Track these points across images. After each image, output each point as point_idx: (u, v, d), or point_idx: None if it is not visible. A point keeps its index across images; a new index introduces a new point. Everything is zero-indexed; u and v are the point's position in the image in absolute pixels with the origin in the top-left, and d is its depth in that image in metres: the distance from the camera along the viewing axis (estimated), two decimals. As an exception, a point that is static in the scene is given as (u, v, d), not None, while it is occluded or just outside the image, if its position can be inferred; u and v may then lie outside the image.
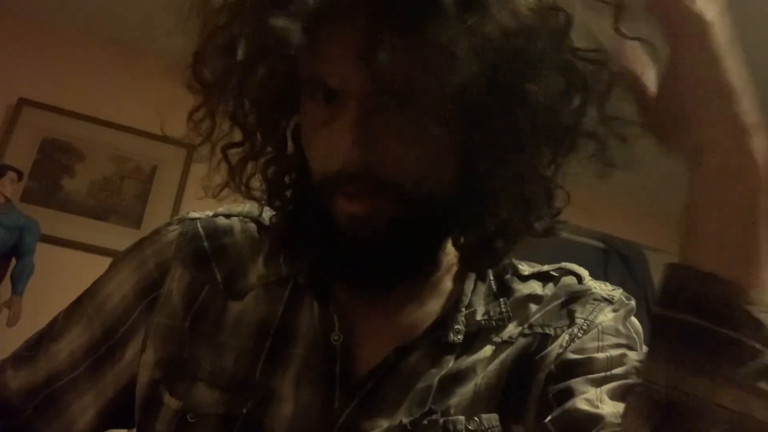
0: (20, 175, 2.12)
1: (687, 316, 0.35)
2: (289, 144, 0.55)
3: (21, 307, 1.94)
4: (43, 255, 2.06)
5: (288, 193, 0.55)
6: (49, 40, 2.40)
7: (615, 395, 0.44)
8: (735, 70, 0.38)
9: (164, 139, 2.44)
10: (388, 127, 0.44)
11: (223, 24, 0.47)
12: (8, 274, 2.01)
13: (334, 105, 0.45)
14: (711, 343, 0.34)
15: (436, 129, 0.44)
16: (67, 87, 2.37)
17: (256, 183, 0.55)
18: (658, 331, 0.37)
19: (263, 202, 0.55)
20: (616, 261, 2.89)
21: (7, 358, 0.59)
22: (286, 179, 0.55)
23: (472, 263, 0.55)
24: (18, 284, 1.97)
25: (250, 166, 0.54)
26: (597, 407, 0.43)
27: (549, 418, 0.45)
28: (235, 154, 0.54)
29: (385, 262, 0.48)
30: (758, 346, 0.33)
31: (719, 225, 0.37)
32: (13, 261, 2.02)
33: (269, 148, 0.54)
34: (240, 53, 0.45)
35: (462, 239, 0.53)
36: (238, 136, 0.54)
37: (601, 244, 2.97)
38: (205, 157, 0.54)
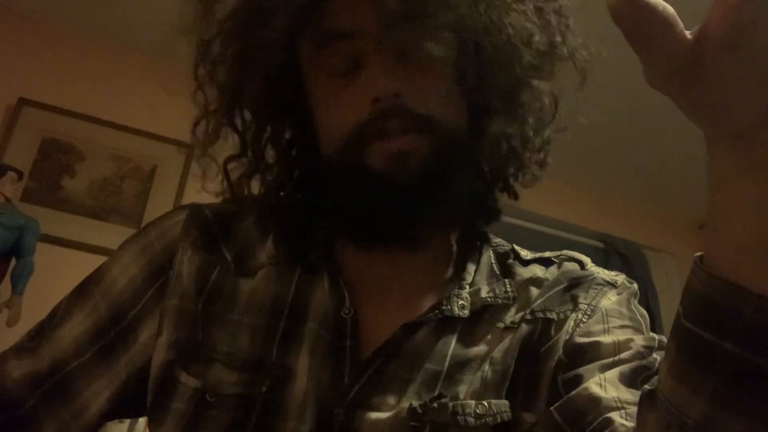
0: (20, 175, 2.11)
1: (735, 348, 0.29)
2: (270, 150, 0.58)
3: (21, 307, 1.94)
4: (43, 255, 2.06)
5: (289, 186, 0.58)
6: (49, 40, 2.40)
7: (623, 380, 0.45)
8: None
9: (164, 138, 2.45)
10: (409, 64, 0.49)
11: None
12: (8, 274, 2.01)
13: (350, 69, 0.50)
14: (758, 383, 0.29)
15: (450, 65, 0.49)
16: (67, 87, 2.37)
17: (255, 188, 0.57)
18: (702, 359, 0.31)
19: (262, 203, 0.57)
20: (616, 261, 2.89)
21: (9, 349, 0.58)
22: (287, 177, 0.57)
23: (472, 220, 0.59)
24: (18, 284, 1.97)
25: (249, 174, 0.57)
26: (599, 392, 0.43)
27: (554, 405, 0.45)
28: (235, 167, 0.57)
29: (416, 209, 0.50)
30: None
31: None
32: (13, 261, 2.02)
33: (268, 154, 0.56)
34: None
35: (467, 193, 0.56)
36: (237, 148, 0.57)
37: (601, 244, 2.97)
38: (206, 165, 0.56)
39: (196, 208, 0.59)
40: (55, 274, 2.11)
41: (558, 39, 0.53)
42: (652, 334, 0.51)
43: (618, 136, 2.64)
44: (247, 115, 0.56)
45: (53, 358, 0.55)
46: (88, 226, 2.27)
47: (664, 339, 0.48)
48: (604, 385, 0.44)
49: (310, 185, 0.57)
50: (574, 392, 0.45)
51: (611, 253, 2.94)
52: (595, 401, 0.42)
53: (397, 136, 0.48)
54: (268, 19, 0.49)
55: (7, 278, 2.00)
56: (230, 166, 0.57)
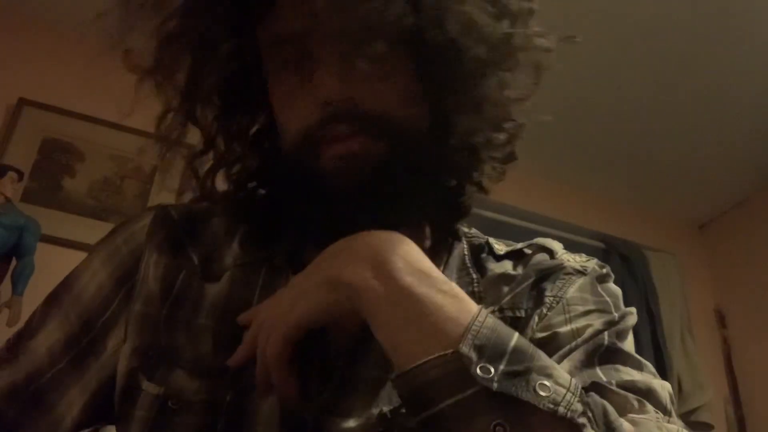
0: (20, 175, 2.11)
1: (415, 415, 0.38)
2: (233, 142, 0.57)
3: (21, 307, 1.94)
4: (44, 255, 2.06)
5: (253, 184, 0.56)
6: (49, 40, 2.40)
7: (579, 365, 0.44)
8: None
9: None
10: (365, 65, 0.46)
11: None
12: (8, 274, 2.00)
13: (305, 66, 0.48)
14: (439, 424, 0.36)
15: (408, 64, 0.47)
16: (67, 87, 2.37)
17: (220, 183, 0.56)
18: None
19: (229, 198, 0.56)
20: (616, 261, 2.89)
21: None
22: (251, 172, 0.56)
23: (444, 217, 0.57)
24: (18, 284, 1.97)
25: (215, 168, 0.56)
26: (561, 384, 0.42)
27: None
28: (199, 163, 0.55)
29: (373, 210, 0.49)
30: (462, 398, 0.36)
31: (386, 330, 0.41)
32: (14, 261, 2.02)
33: (233, 148, 0.55)
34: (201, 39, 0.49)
35: (435, 193, 0.54)
36: (200, 143, 0.56)
37: (601, 245, 2.97)
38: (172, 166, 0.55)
39: (162, 210, 0.58)
40: (56, 275, 2.10)
41: (511, 30, 0.51)
42: (621, 310, 0.51)
43: (618, 137, 2.64)
44: (211, 110, 0.55)
45: (29, 369, 0.55)
46: (88, 227, 2.26)
47: (630, 311, 0.50)
48: None
49: (277, 179, 0.56)
50: None
51: (612, 254, 2.94)
52: None
53: (346, 138, 0.47)
54: (213, 15, 0.48)
55: (7, 278, 2.00)
56: (196, 162, 0.56)
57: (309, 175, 0.49)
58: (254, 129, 0.57)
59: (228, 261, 0.55)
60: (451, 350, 0.36)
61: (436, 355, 0.36)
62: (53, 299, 0.58)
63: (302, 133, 0.49)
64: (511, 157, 0.58)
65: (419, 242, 0.56)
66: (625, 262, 2.91)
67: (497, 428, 0.34)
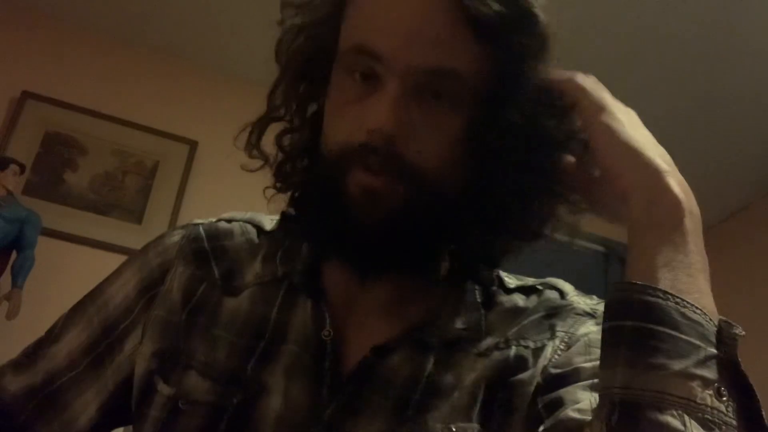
0: (22, 168, 2.12)
1: (633, 322, 0.39)
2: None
3: (21, 300, 1.94)
4: (44, 248, 2.06)
5: (295, 178, 0.57)
6: (53, 34, 2.41)
7: None
8: (637, 132, 0.49)
9: (167, 134, 2.45)
10: (420, 111, 0.47)
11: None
12: (9, 266, 2.01)
13: (370, 82, 0.48)
14: (656, 343, 0.38)
15: (462, 125, 0.48)
16: (70, 81, 2.38)
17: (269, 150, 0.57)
18: (609, 341, 0.40)
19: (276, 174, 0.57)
20: (616, 265, 2.89)
21: (6, 364, 0.60)
22: (299, 162, 0.57)
23: (468, 267, 0.56)
24: (18, 277, 1.97)
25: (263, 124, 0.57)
26: (588, 415, 0.43)
27: (541, 429, 0.45)
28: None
29: (388, 245, 0.49)
30: (695, 341, 0.38)
31: (653, 245, 0.42)
32: (14, 254, 2.03)
33: (293, 121, 0.56)
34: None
35: (461, 244, 0.54)
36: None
37: (601, 248, 2.97)
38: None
39: (192, 228, 0.61)
40: (56, 268, 2.12)
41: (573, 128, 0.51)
42: None
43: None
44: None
45: (47, 372, 0.57)
46: (89, 221, 2.27)
47: None
48: (588, 410, 0.43)
49: (310, 181, 0.57)
50: (561, 414, 0.44)
51: (612, 258, 2.94)
52: (584, 424, 0.42)
53: (375, 173, 0.47)
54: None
55: (7, 271, 2.00)
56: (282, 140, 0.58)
57: (335, 193, 0.49)
58: (313, 110, 0.57)
59: (249, 277, 0.57)
60: (716, 319, 0.40)
61: (697, 306, 0.40)
62: (78, 307, 0.60)
63: (341, 149, 0.49)
64: (537, 236, 0.55)
65: (436, 274, 0.56)
66: (625, 267, 2.90)
67: (722, 390, 0.37)
